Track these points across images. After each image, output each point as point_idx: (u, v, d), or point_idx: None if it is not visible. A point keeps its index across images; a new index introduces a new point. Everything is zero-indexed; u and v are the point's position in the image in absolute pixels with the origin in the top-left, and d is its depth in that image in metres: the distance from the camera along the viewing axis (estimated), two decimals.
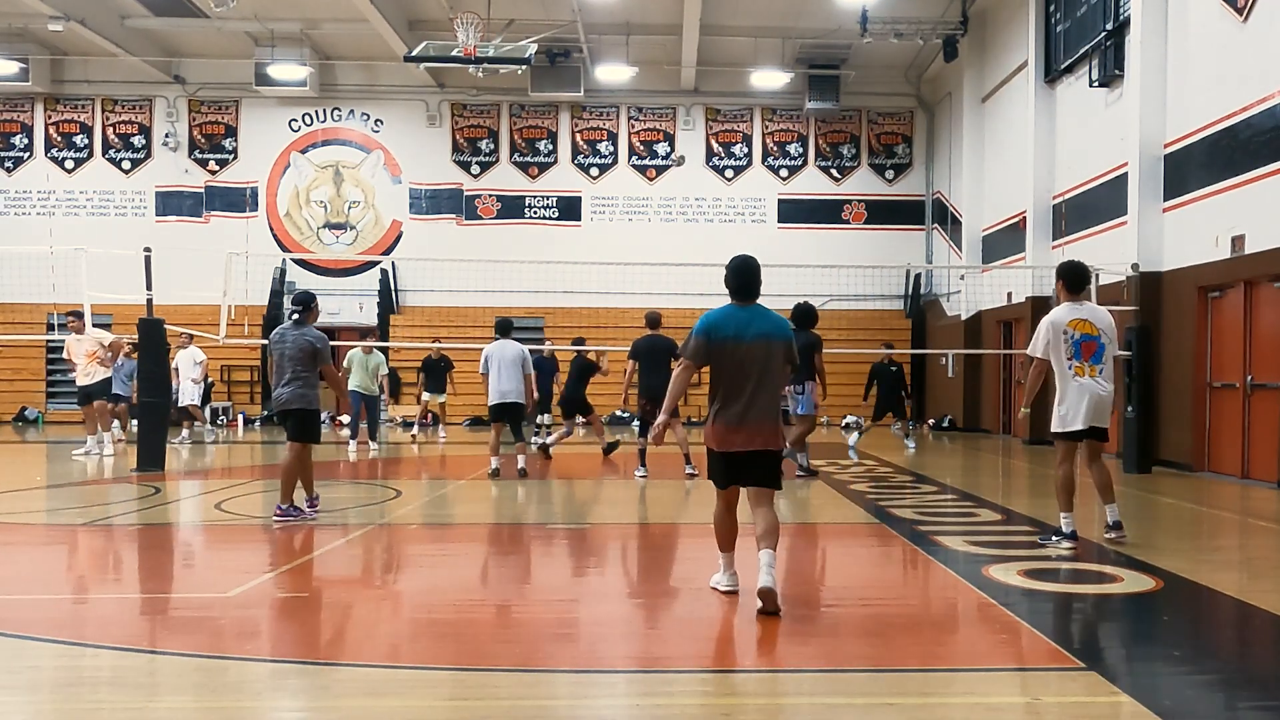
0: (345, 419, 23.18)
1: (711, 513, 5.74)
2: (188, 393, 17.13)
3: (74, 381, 14.88)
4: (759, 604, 5.15)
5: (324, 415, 23.78)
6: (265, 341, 20.79)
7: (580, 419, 14.65)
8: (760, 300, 5.54)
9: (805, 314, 11.24)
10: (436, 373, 17.86)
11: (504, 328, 11.80)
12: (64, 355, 15.15)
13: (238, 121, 24.56)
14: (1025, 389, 7.53)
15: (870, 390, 16.41)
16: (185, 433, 17.37)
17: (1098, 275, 13.70)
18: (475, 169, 24.67)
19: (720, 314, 5.45)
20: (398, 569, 6.87)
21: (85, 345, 14.10)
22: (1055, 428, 7.24)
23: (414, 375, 19.38)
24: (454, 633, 5.13)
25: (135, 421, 13.62)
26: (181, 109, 24.42)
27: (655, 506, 9.76)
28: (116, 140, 24.46)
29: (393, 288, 23.79)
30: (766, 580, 5.15)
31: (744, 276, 5.50)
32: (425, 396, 17.94)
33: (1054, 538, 7.16)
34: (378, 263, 23.88)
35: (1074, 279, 7.21)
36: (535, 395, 12.44)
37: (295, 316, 8.24)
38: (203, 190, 24.45)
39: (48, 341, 21.87)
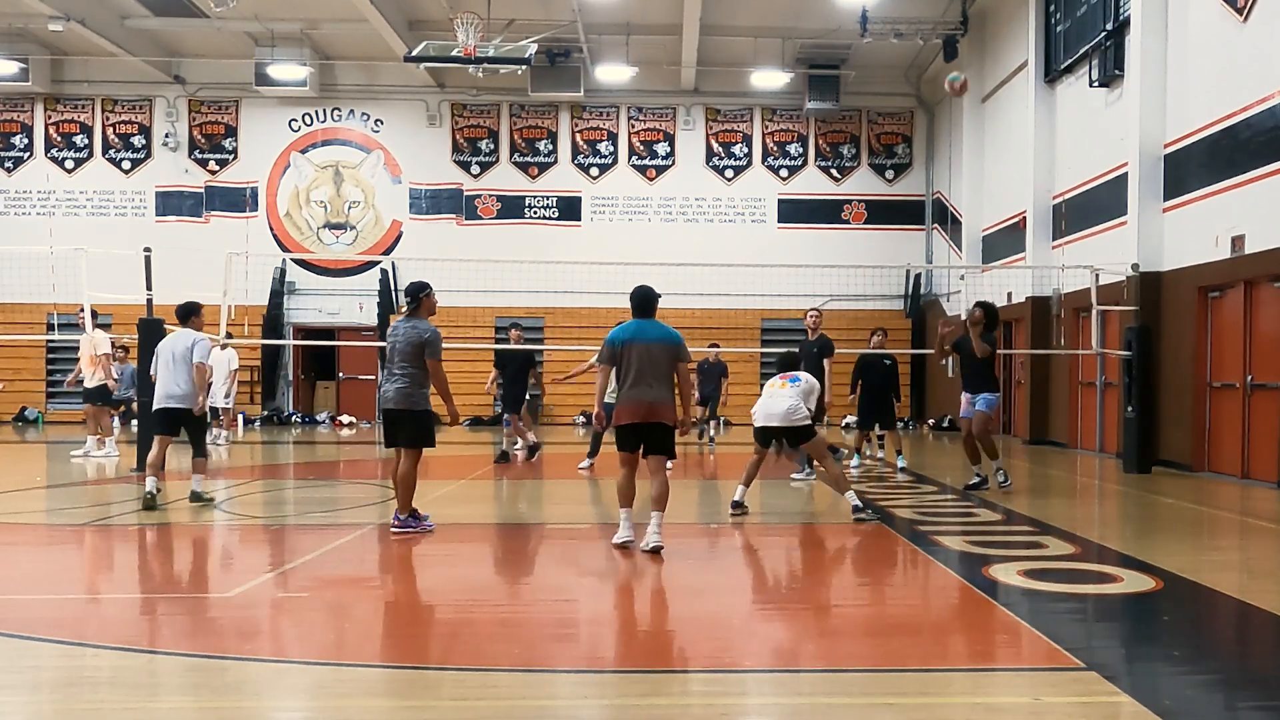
0: (345, 419, 23.27)
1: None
2: (219, 395, 17.07)
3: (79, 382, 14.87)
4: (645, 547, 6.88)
5: (325, 415, 23.93)
6: (265, 342, 20.63)
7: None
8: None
9: (991, 314, 10.76)
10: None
11: (183, 313, 9.44)
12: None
13: (238, 121, 24.55)
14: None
15: (856, 387, 13.45)
16: (217, 432, 17.41)
17: (1098, 275, 13.74)
18: (475, 169, 24.66)
19: (624, 325, 7.23)
20: (398, 569, 6.87)
21: (86, 347, 14.10)
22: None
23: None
24: (454, 633, 5.13)
25: (134, 423, 13.61)
26: (181, 109, 24.41)
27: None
28: (116, 140, 24.45)
29: (393, 288, 23.77)
30: (655, 537, 6.90)
31: (641, 301, 7.30)
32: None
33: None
34: (378, 263, 23.87)
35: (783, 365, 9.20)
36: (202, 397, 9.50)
37: (405, 309, 7.79)
38: (203, 190, 24.44)
39: (48, 341, 21.87)
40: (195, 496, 9.26)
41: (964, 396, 10.79)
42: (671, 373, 7.14)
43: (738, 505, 8.81)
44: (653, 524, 6.99)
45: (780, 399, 8.71)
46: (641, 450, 7.18)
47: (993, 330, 10.60)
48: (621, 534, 7.13)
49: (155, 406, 9.24)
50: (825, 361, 11.33)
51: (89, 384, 14.20)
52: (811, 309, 12.11)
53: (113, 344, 15.00)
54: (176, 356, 9.13)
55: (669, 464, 7.64)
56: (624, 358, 7.08)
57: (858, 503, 8.44)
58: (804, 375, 9.01)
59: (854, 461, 13.00)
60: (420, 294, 7.79)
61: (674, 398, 7.17)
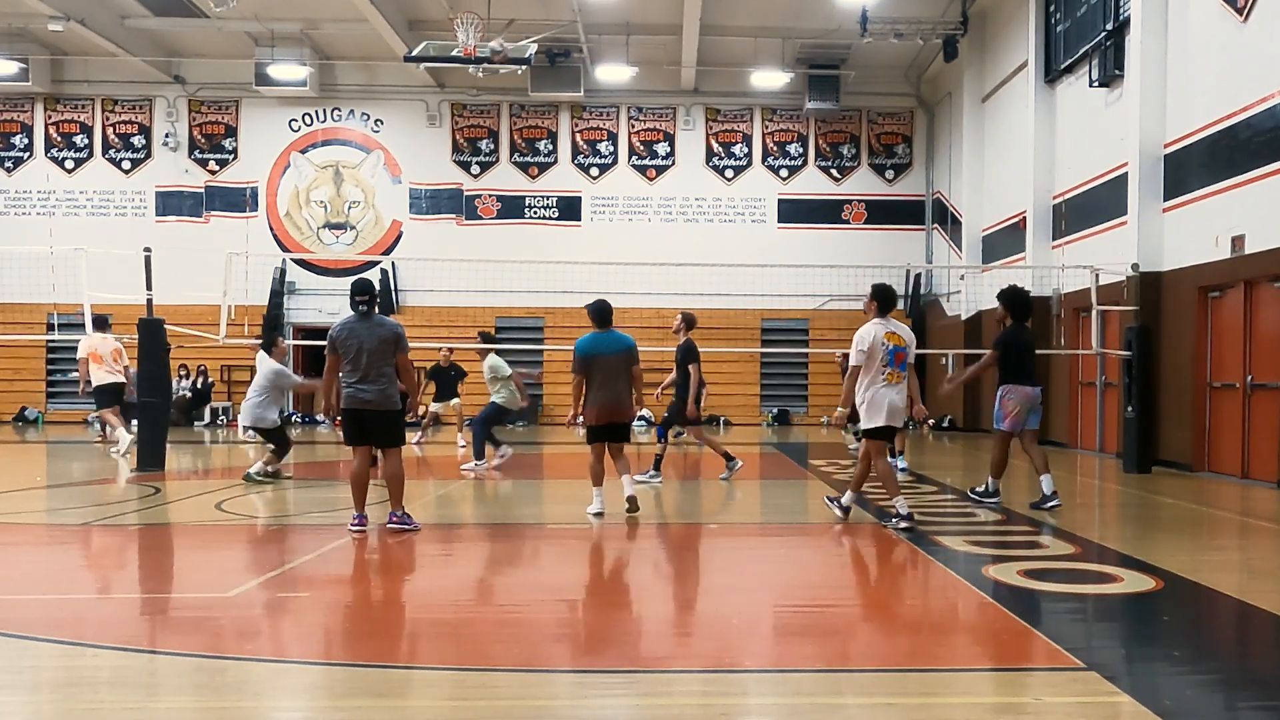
0: None
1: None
2: None
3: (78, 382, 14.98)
4: (626, 506, 8.45)
5: (324, 417, 23.93)
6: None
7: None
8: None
9: (1020, 302, 9.58)
10: (447, 381, 16.68)
11: (265, 346, 11.43)
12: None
13: (238, 121, 24.56)
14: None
15: None
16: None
17: (1098, 275, 13.74)
18: (475, 169, 24.67)
19: (588, 339, 8.57)
20: (397, 569, 6.87)
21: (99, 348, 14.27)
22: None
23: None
24: (454, 633, 5.13)
25: (134, 422, 13.63)
26: (181, 109, 24.42)
27: (657, 507, 9.75)
28: (116, 140, 24.46)
29: (393, 288, 23.79)
30: (630, 489, 8.56)
31: (600, 313, 8.67)
32: (434, 406, 16.63)
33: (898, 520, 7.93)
34: (378, 263, 23.87)
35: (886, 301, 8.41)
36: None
37: (363, 308, 7.72)
38: (203, 190, 24.45)
39: (48, 342, 21.89)
40: (248, 478, 10.99)
41: None
42: (629, 375, 8.57)
43: (909, 517, 7.91)
44: (626, 481, 8.56)
45: (903, 392, 8.09)
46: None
47: (1022, 319, 9.45)
48: (595, 506, 8.43)
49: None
50: (691, 367, 10.90)
51: (97, 383, 14.20)
52: (680, 312, 11.50)
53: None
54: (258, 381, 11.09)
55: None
56: (591, 369, 8.44)
57: (845, 504, 8.50)
58: (909, 346, 8.11)
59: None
60: (373, 292, 7.88)
61: (631, 395, 8.65)
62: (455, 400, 16.53)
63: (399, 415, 7.90)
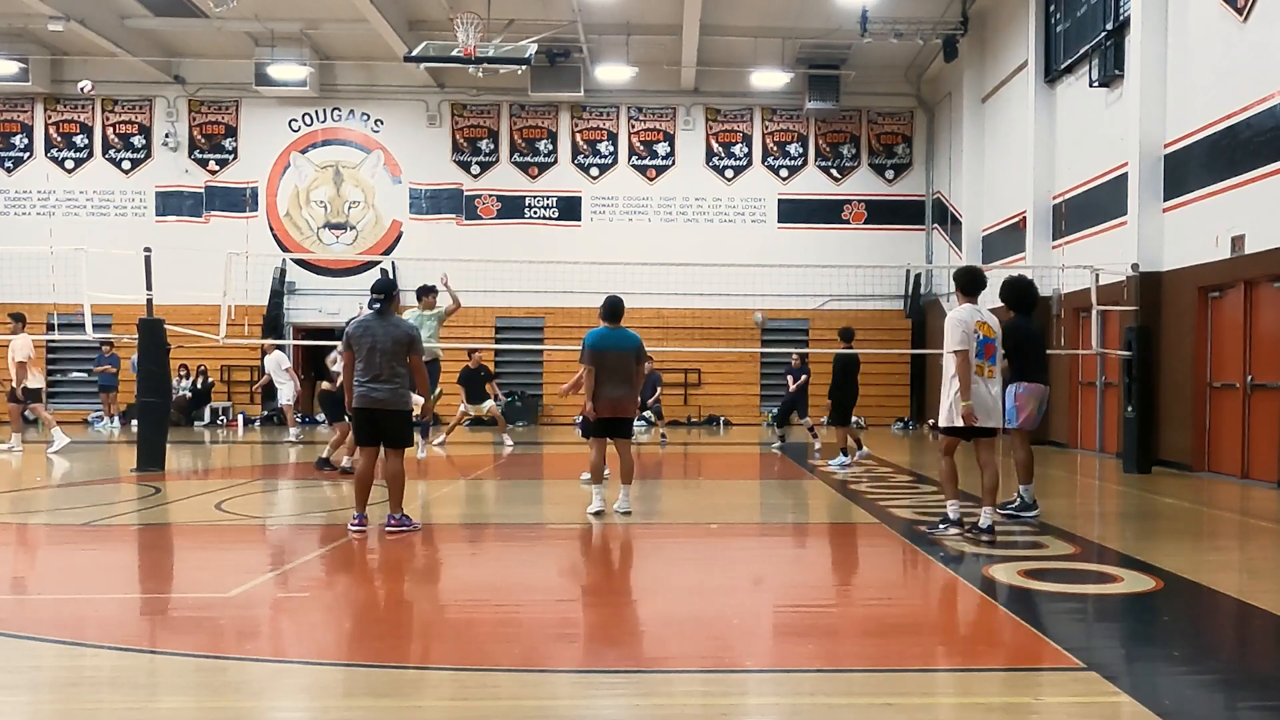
0: (345, 419, 23.27)
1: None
2: (284, 394, 18.42)
3: (70, 380, 15.33)
4: (618, 509, 8.52)
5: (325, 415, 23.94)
6: (265, 342, 20.64)
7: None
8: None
9: (1021, 292, 8.86)
10: (477, 383, 16.61)
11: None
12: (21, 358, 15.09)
13: (238, 121, 24.56)
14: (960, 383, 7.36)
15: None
16: (294, 431, 18.04)
17: (1098, 275, 13.75)
18: (475, 169, 24.67)
19: (599, 333, 8.60)
20: (397, 569, 6.87)
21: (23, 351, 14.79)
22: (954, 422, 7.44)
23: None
24: (454, 633, 5.13)
25: (134, 422, 13.70)
26: (181, 109, 24.41)
27: (653, 506, 9.76)
28: (116, 140, 24.46)
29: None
30: (626, 504, 8.59)
31: (612, 309, 8.69)
32: (463, 407, 16.43)
33: (941, 525, 7.62)
34: (378, 263, 23.86)
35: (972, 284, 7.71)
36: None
37: (378, 306, 7.70)
38: (203, 190, 24.44)
39: (48, 342, 21.86)
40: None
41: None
42: (635, 373, 8.73)
43: (960, 523, 7.52)
44: (623, 493, 8.64)
45: (994, 387, 7.36)
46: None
47: (1025, 311, 8.74)
48: (594, 505, 8.49)
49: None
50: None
51: (34, 385, 14.77)
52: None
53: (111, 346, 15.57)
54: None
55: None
56: (599, 363, 8.49)
57: (986, 524, 7.37)
58: (998, 338, 7.58)
59: (846, 459, 13.06)
60: (393, 291, 7.91)
61: (636, 393, 8.85)
62: (488, 402, 16.60)
63: (410, 415, 7.91)
